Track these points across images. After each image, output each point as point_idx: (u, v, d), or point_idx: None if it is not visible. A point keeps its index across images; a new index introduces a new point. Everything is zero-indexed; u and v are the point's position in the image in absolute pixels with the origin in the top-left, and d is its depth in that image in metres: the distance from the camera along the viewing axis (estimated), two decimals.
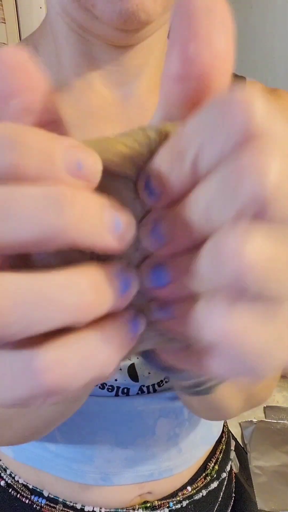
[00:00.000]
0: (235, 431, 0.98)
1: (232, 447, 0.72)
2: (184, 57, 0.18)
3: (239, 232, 0.16)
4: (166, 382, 0.55)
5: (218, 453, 0.66)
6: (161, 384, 0.55)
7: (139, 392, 0.54)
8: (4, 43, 1.45)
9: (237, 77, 0.58)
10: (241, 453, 0.92)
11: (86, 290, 0.18)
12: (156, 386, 0.55)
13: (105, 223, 0.18)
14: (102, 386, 0.54)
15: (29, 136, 0.17)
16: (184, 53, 0.18)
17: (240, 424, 1.00)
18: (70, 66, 0.48)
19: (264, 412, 1.04)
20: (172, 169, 0.18)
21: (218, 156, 0.17)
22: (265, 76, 1.51)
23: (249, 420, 1.01)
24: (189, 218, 0.18)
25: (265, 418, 1.02)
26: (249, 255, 0.16)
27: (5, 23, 1.40)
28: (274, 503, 0.83)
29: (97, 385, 0.53)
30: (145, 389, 0.54)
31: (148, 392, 0.54)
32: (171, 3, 0.43)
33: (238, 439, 0.96)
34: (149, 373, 0.54)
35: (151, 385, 0.54)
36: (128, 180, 0.20)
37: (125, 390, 0.54)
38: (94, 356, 0.18)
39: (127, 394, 0.54)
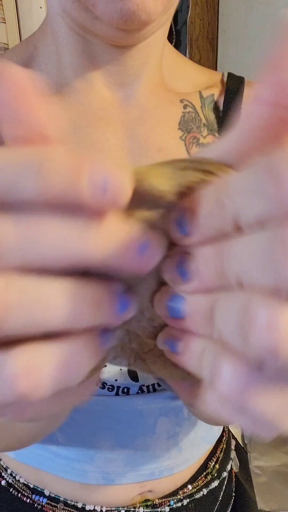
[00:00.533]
0: (235, 431, 0.98)
1: (233, 447, 0.72)
2: (281, 83, 0.17)
3: (275, 305, 0.16)
4: None
5: (219, 452, 0.66)
6: (161, 384, 0.55)
7: (139, 391, 0.54)
8: (4, 43, 1.45)
9: (236, 78, 0.58)
10: (241, 453, 0.92)
11: (85, 301, 0.18)
12: (156, 385, 0.55)
13: (129, 248, 0.18)
14: (103, 385, 0.54)
15: (53, 161, 0.17)
16: (282, 79, 0.17)
17: None
18: (71, 67, 0.48)
19: None
20: (211, 214, 0.18)
21: (267, 217, 0.16)
22: None
23: None
24: (222, 266, 0.18)
25: None
26: (283, 331, 0.16)
27: (5, 23, 1.40)
28: (274, 503, 0.83)
29: (97, 385, 0.53)
30: (145, 388, 0.54)
31: (148, 391, 0.55)
32: (172, 3, 0.43)
33: (238, 439, 0.96)
34: None
35: (151, 384, 0.54)
36: (159, 208, 0.20)
37: (125, 389, 0.54)
38: (65, 365, 0.18)
39: (127, 393, 0.54)
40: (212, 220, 0.18)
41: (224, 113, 0.54)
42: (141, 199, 0.19)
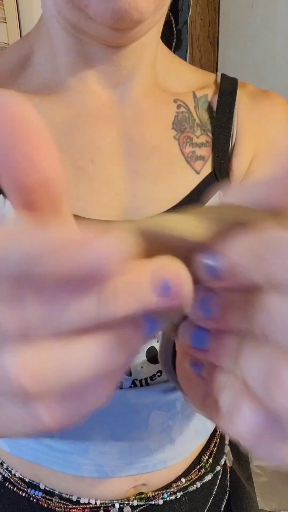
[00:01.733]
0: None
1: (227, 441, 0.72)
2: None
3: None
4: (158, 376, 0.55)
5: (212, 446, 0.66)
6: (154, 378, 0.55)
7: (132, 385, 0.54)
8: (5, 43, 1.45)
9: (230, 79, 0.58)
10: (242, 452, 0.91)
11: (114, 349, 0.19)
12: (148, 379, 0.55)
13: (150, 293, 0.18)
14: None
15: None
16: None
17: None
18: (66, 67, 0.48)
19: None
20: (248, 266, 0.18)
21: None
22: (266, 76, 1.51)
23: None
24: (250, 314, 0.19)
25: None
26: None
27: (6, 22, 1.41)
28: (275, 503, 0.83)
29: None
30: (138, 382, 0.55)
31: (141, 385, 0.55)
32: (164, 1, 0.44)
33: None
34: (141, 367, 0.54)
35: (144, 378, 0.55)
36: (184, 249, 0.20)
37: (119, 383, 0.54)
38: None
39: (121, 387, 0.54)
40: (249, 271, 0.18)
41: (217, 114, 0.55)
42: (169, 245, 0.19)
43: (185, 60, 1.87)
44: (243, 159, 0.55)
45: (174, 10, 1.94)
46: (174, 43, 1.99)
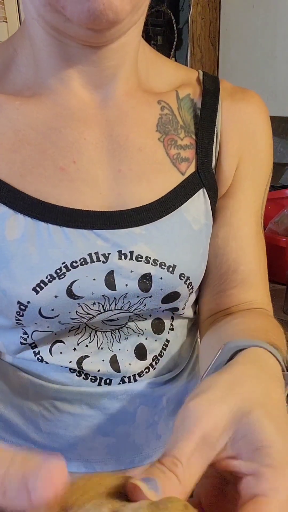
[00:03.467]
0: None
1: None
2: None
3: None
4: (146, 372, 0.56)
5: None
6: (142, 374, 0.56)
7: (121, 382, 0.55)
8: None
9: (212, 77, 0.58)
10: None
11: None
12: (137, 376, 0.56)
13: None
14: (86, 377, 0.55)
15: None
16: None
17: None
18: (48, 68, 0.49)
19: None
20: None
21: None
22: (266, 75, 1.51)
23: None
24: None
25: None
26: None
27: (6, 22, 1.42)
28: None
29: (80, 376, 0.55)
30: (126, 379, 0.55)
31: (129, 381, 0.56)
32: (141, 2, 0.44)
33: None
34: (129, 363, 0.55)
35: (132, 375, 0.56)
36: None
37: (108, 380, 0.55)
38: None
39: (110, 384, 0.55)
40: None
41: (202, 114, 0.55)
42: None
43: (186, 59, 1.86)
44: (228, 160, 0.56)
45: (175, 9, 1.94)
46: (175, 43, 1.99)
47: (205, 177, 0.54)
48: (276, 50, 1.45)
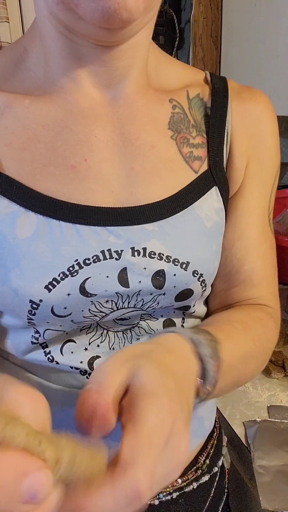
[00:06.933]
0: (239, 430, 0.98)
1: (224, 443, 0.72)
2: None
3: None
4: None
5: (210, 447, 0.67)
6: None
7: None
8: (7, 43, 1.45)
9: (219, 77, 0.58)
10: (244, 452, 0.92)
11: None
12: None
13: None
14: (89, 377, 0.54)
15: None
16: None
17: (243, 423, 1.00)
18: (58, 67, 0.49)
19: (268, 412, 1.04)
20: None
21: None
22: (269, 75, 1.51)
23: (252, 419, 1.01)
24: None
25: (269, 417, 1.02)
26: None
27: (8, 22, 1.41)
28: (278, 503, 0.83)
29: (84, 375, 0.54)
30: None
31: None
32: (154, 2, 0.44)
33: (241, 439, 0.96)
34: None
35: None
36: None
37: None
38: None
39: None
40: None
41: (212, 113, 0.55)
42: None
43: (188, 58, 1.86)
44: (239, 158, 0.57)
45: (177, 9, 1.94)
46: (177, 42, 1.99)
47: (217, 175, 0.55)
48: (279, 49, 1.44)
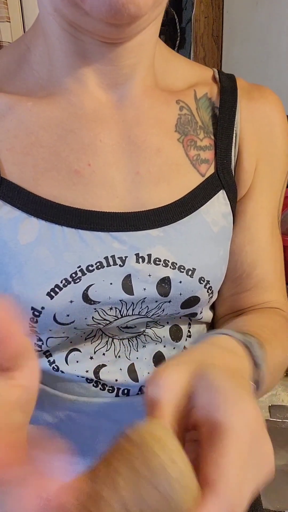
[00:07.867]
0: None
1: None
2: None
3: None
4: None
5: None
6: None
7: (139, 392, 0.54)
8: (9, 42, 1.45)
9: (227, 75, 0.57)
10: None
11: None
12: None
13: None
14: (103, 387, 0.54)
15: None
16: None
17: None
18: (63, 67, 0.47)
19: (269, 411, 1.04)
20: None
21: None
22: (270, 74, 1.50)
23: None
24: None
25: (270, 417, 1.02)
26: None
27: (9, 22, 1.41)
28: (279, 502, 0.83)
29: (97, 386, 0.53)
30: (144, 389, 0.54)
31: None
32: None
33: None
34: (148, 373, 0.54)
35: None
36: None
37: (125, 391, 0.54)
38: None
39: (127, 394, 0.54)
40: None
41: (220, 113, 0.54)
42: None
43: (189, 58, 1.86)
44: (248, 160, 0.55)
45: (178, 8, 1.93)
46: (178, 42, 1.98)
47: (224, 179, 0.53)
48: (281, 48, 1.43)
